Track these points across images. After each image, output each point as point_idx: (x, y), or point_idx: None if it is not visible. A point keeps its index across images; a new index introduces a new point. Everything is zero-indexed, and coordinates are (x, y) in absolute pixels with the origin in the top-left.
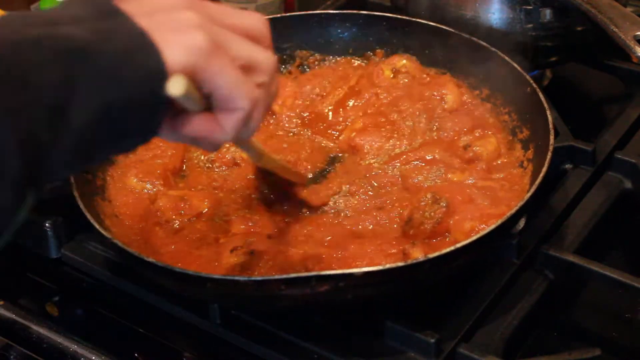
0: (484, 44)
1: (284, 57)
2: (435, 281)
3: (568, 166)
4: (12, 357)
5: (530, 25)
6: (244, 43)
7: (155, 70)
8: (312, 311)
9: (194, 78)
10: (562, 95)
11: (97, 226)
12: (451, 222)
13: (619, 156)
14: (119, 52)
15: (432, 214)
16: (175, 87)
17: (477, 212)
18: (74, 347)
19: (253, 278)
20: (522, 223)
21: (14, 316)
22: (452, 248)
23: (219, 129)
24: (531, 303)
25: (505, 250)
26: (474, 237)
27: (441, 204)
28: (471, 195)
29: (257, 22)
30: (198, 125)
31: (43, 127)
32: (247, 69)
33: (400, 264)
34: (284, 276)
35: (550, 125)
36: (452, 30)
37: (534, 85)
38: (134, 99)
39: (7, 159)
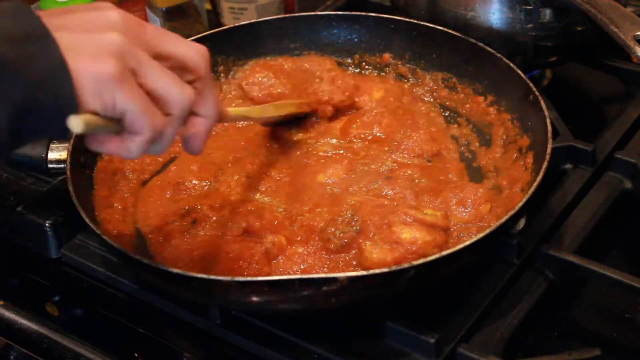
0: (489, 49)
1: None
2: (434, 284)
3: (568, 166)
4: (12, 356)
5: (530, 25)
6: (162, 74)
7: (68, 103)
8: (306, 314)
9: (104, 104)
10: (562, 95)
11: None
12: (364, 245)
13: (619, 156)
14: (37, 78)
15: (342, 234)
16: (75, 125)
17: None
18: (73, 347)
19: (236, 279)
20: (522, 223)
21: (14, 316)
22: (450, 251)
23: (126, 149)
24: (531, 303)
25: (505, 251)
26: (474, 239)
27: (354, 226)
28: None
29: (193, 52)
30: (108, 146)
31: None
32: (158, 99)
33: (385, 269)
34: (267, 278)
35: (549, 127)
36: (459, 35)
37: (536, 92)
38: (44, 124)
39: None
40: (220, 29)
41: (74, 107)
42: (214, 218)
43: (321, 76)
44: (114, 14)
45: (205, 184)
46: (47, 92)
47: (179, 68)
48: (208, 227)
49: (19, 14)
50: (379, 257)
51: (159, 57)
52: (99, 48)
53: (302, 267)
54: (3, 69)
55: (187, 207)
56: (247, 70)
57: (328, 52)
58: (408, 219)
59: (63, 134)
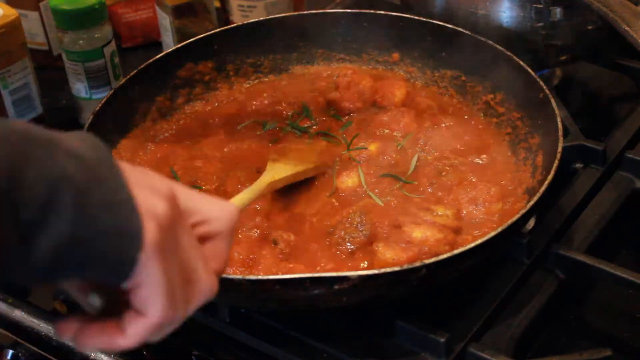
0: (500, 47)
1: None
2: (444, 282)
3: (578, 165)
4: (20, 354)
5: (540, 24)
6: (196, 256)
7: (133, 230)
8: (316, 311)
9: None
10: (573, 94)
11: None
12: (376, 247)
13: (630, 155)
14: (104, 201)
15: (351, 238)
16: (94, 301)
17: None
18: None
19: (247, 277)
20: (532, 222)
21: (22, 314)
22: (461, 250)
23: (117, 336)
24: (541, 303)
25: (516, 250)
26: (485, 238)
27: (363, 231)
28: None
29: (218, 211)
30: (91, 334)
31: (13, 242)
32: (186, 281)
33: (397, 268)
34: (278, 277)
35: (559, 126)
36: (469, 33)
37: (545, 89)
38: (99, 247)
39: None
40: (229, 26)
41: (138, 239)
42: None
43: (337, 82)
44: (166, 187)
45: (213, 179)
46: (111, 219)
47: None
48: None
49: (89, 140)
50: (393, 257)
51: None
52: (153, 210)
53: (313, 265)
54: (68, 186)
55: None
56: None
57: (337, 50)
58: (418, 220)
59: (110, 274)
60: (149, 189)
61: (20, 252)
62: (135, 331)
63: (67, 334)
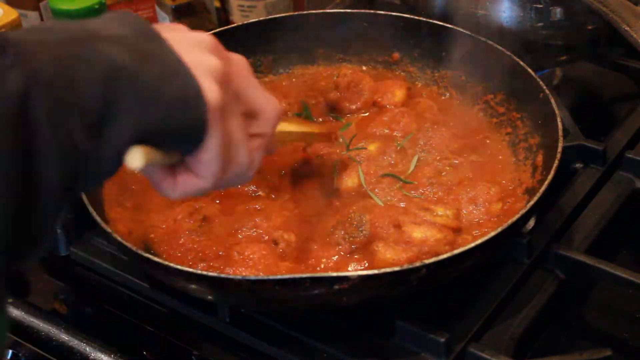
0: (500, 47)
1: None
2: (444, 282)
3: (578, 165)
4: (20, 354)
5: (540, 24)
6: (260, 91)
7: (194, 95)
8: (316, 311)
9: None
10: (573, 94)
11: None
12: (376, 247)
13: (630, 155)
14: (157, 75)
15: (351, 238)
16: (135, 160)
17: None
18: (82, 345)
19: (247, 277)
20: (532, 222)
21: (22, 314)
22: (461, 250)
23: (173, 188)
24: (541, 303)
25: (516, 250)
26: (485, 238)
27: (363, 231)
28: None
29: (271, 107)
30: (157, 179)
31: (83, 142)
32: (252, 115)
33: (397, 268)
34: (278, 277)
35: (560, 126)
36: (469, 33)
37: (545, 89)
38: (171, 121)
39: (47, 169)
40: (229, 26)
41: (202, 102)
42: (224, 216)
43: (337, 82)
44: (206, 37)
45: None
46: (171, 91)
47: (249, 115)
48: (217, 225)
49: (125, 20)
50: (393, 257)
51: (237, 97)
52: (206, 67)
53: (313, 265)
54: (122, 72)
55: (197, 206)
56: None
57: (337, 50)
58: (418, 220)
59: (184, 143)
60: (195, 46)
61: (93, 148)
62: (182, 189)
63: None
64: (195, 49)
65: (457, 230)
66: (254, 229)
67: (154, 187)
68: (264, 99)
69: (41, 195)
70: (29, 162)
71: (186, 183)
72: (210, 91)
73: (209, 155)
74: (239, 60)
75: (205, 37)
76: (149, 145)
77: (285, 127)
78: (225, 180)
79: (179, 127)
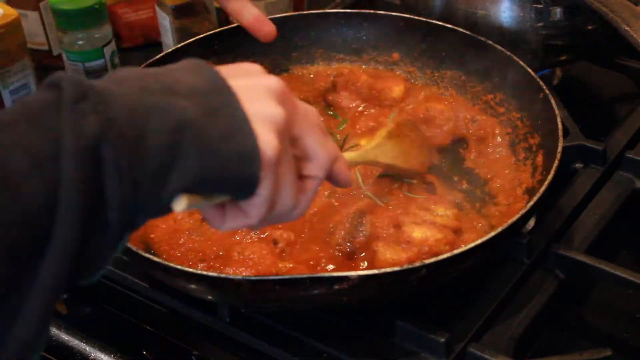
0: (499, 47)
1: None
2: (444, 282)
3: (578, 165)
4: None
5: (540, 24)
6: (318, 136)
7: (251, 149)
8: (316, 311)
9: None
10: (573, 94)
11: None
12: (376, 247)
13: (630, 155)
14: (221, 132)
15: (351, 238)
16: (180, 205)
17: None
18: (82, 345)
19: (247, 277)
20: (532, 222)
21: None
22: (461, 250)
23: (220, 222)
24: (541, 303)
25: (516, 250)
26: (485, 238)
27: (363, 231)
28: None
29: (325, 156)
30: (205, 214)
31: (145, 189)
32: (304, 159)
33: (397, 268)
34: (278, 277)
35: (560, 126)
36: (469, 33)
37: (545, 89)
38: (226, 173)
39: (110, 213)
40: (229, 26)
41: (258, 162)
42: None
43: (334, 82)
44: (275, 84)
45: None
46: (232, 147)
47: (303, 158)
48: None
49: (198, 69)
50: (393, 257)
51: (294, 143)
52: (269, 120)
53: (313, 265)
54: (190, 125)
55: None
56: None
57: (337, 50)
58: (418, 220)
59: (236, 192)
60: (262, 95)
61: (153, 195)
62: (230, 225)
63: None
64: (261, 98)
65: (457, 231)
66: (255, 229)
67: (204, 219)
68: (319, 145)
69: (102, 233)
70: (95, 203)
71: (234, 219)
72: (268, 143)
73: (258, 200)
74: (306, 109)
75: (274, 84)
76: (200, 192)
77: (383, 157)
78: (271, 219)
79: (233, 178)
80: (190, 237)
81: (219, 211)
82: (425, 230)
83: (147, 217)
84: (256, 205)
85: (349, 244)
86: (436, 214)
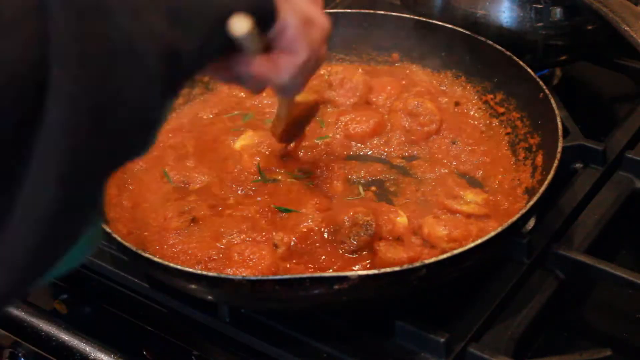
0: (499, 47)
1: None
2: (444, 282)
3: (578, 165)
4: (20, 354)
5: (540, 24)
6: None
7: None
8: (316, 311)
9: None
10: (572, 94)
11: None
12: (377, 247)
13: (630, 156)
14: None
15: (356, 237)
16: (239, 26)
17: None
18: (82, 344)
19: (247, 277)
20: (532, 223)
21: (23, 314)
22: (460, 250)
23: (276, 70)
24: (541, 303)
25: (516, 250)
26: (485, 238)
27: (368, 230)
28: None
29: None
30: (259, 65)
31: (176, 37)
32: (306, 22)
33: (397, 268)
34: (278, 277)
35: (559, 126)
36: (469, 33)
37: (545, 89)
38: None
39: (151, 63)
40: None
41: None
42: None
43: (329, 81)
44: None
45: (204, 179)
46: None
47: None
48: (209, 226)
49: None
50: (394, 256)
51: None
52: None
53: (313, 266)
54: None
55: (187, 207)
56: None
57: (337, 50)
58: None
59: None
60: None
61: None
62: (286, 67)
63: (240, 65)
64: None
65: (486, 217)
66: (254, 229)
67: (259, 83)
68: (314, 11)
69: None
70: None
71: (287, 62)
72: None
73: (289, 23)
74: None
75: None
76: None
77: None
78: (316, 51)
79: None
80: (179, 237)
81: (270, 63)
82: (443, 228)
83: (191, 68)
84: (293, 35)
85: (353, 242)
86: (464, 201)
